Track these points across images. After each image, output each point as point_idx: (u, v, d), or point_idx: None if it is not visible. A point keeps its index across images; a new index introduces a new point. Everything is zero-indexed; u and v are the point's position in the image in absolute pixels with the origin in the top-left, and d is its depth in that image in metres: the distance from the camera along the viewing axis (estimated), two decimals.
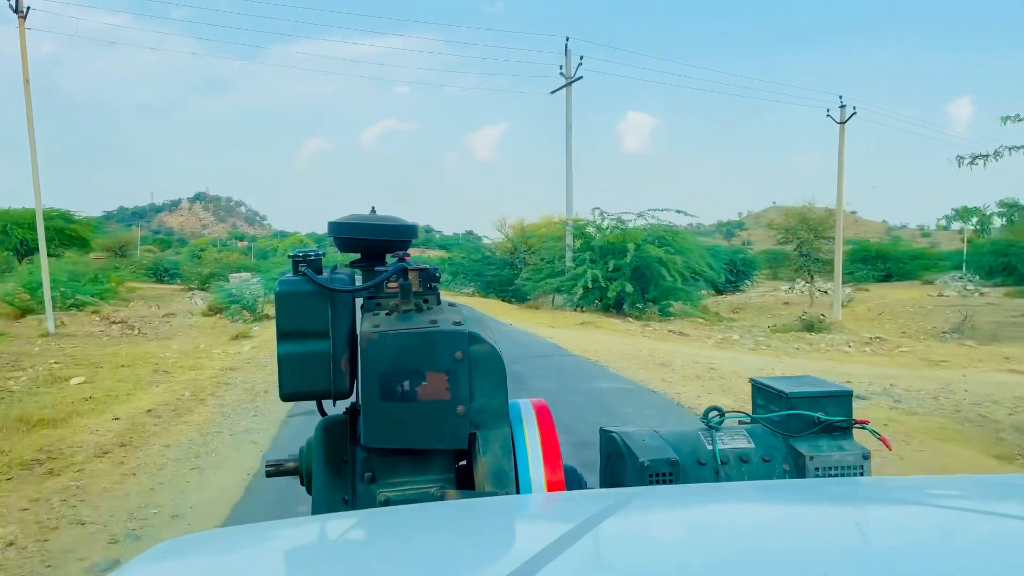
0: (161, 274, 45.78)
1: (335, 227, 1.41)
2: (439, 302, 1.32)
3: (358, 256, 1.44)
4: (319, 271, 1.27)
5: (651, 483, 1.24)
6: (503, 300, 29.10)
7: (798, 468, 1.30)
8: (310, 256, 1.28)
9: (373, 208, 1.47)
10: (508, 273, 30.57)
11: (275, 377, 1.27)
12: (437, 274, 1.35)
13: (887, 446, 1.38)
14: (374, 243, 1.40)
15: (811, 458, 1.28)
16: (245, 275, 31.34)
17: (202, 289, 34.18)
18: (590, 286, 21.71)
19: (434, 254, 67.91)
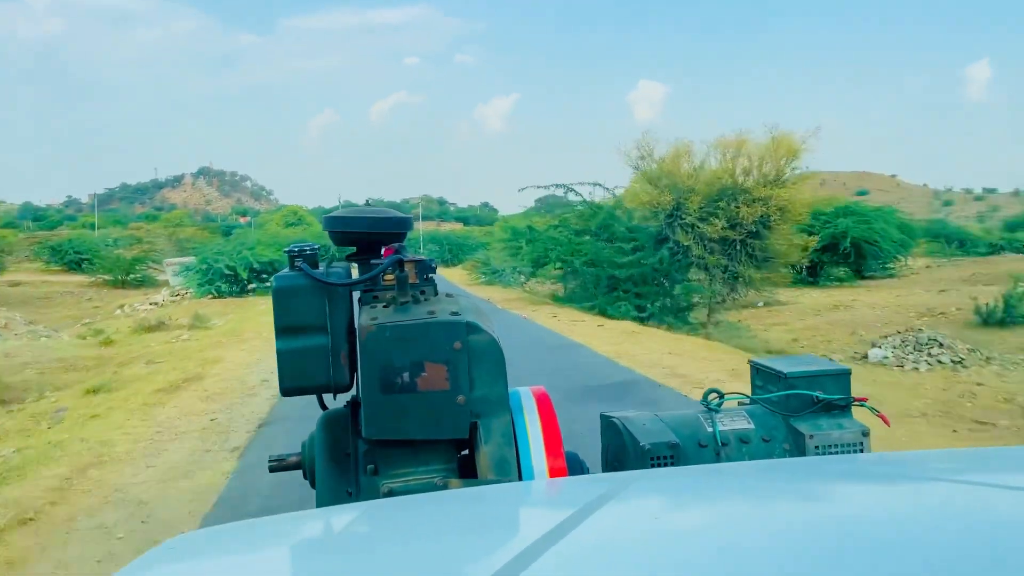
0: (80, 262, 34.67)
1: (330, 221, 1.41)
2: (436, 293, 1.32)
3: (354, 250, 1.44)
4: (315, 265, 1.27)
5: (652, 466, 1.25)
6: (672, 328, 13.71)
7: (798, 447, 1.31)
8: (306, 251, 1.27)
9: (368, 201, 1.47)
10: (656, 262, 15.32)
11: None
12: (433, 265, 1.35)
13: (886, 422, 1.39)
14: (369, 236, 1.40)
15: (811, 437, 1.29)
16: (189, 259, 24.80)
17: (125, 283, 27.43)
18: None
19: (450, 227, 65.20)
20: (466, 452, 1.30)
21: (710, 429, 1.33)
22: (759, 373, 1.44)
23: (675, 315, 14.92)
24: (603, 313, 14.42)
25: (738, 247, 15.89)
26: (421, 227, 61.33)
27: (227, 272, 22.12)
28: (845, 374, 1.36)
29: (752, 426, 1.34)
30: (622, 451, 1.32)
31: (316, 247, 1.28)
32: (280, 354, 1.24)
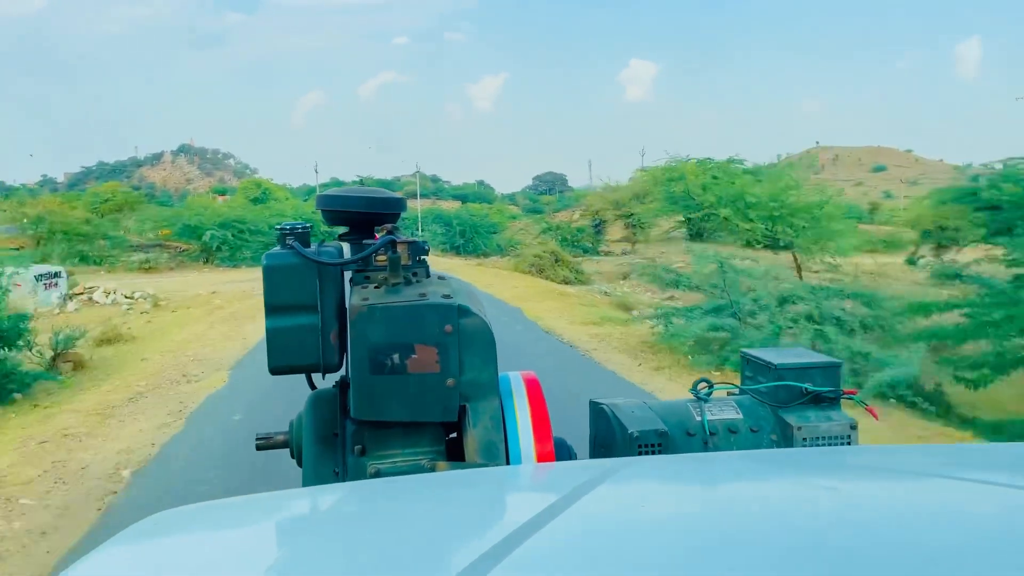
0: None
1: (323, 200, 1.40)
2: (428, 275, 1.32)
3: (346, 229, 1.42)
4: (307, 244, 1.26)
5: (640, 454, 1.25)
6: None
7: (786, 438, 1.31)
8: (297, 229, 1.26)
9: (361, 180, 1.46)
10: None
11: None
12: (425, 247, 1.34)
13: (874, 416, 1.40)
14: (362, 216, 1.39)
15: (799, 428, 1.30)
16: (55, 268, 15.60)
17: None
18: None
19: (448, 205, 59.70)
20: (454, 435, 1.30)
21: (699, 418, 1.33)
22: (749, 364, 1.45)
23: None
24: None
25: None
26: (419, 205, 53.31)
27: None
28: (835, 367, 1.37)
29: (741, 416, 1.34)
30: (610, 438, 1.32)
31: (308, 225, 1.27)
32: (269, 332, 1.23)
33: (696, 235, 24.31)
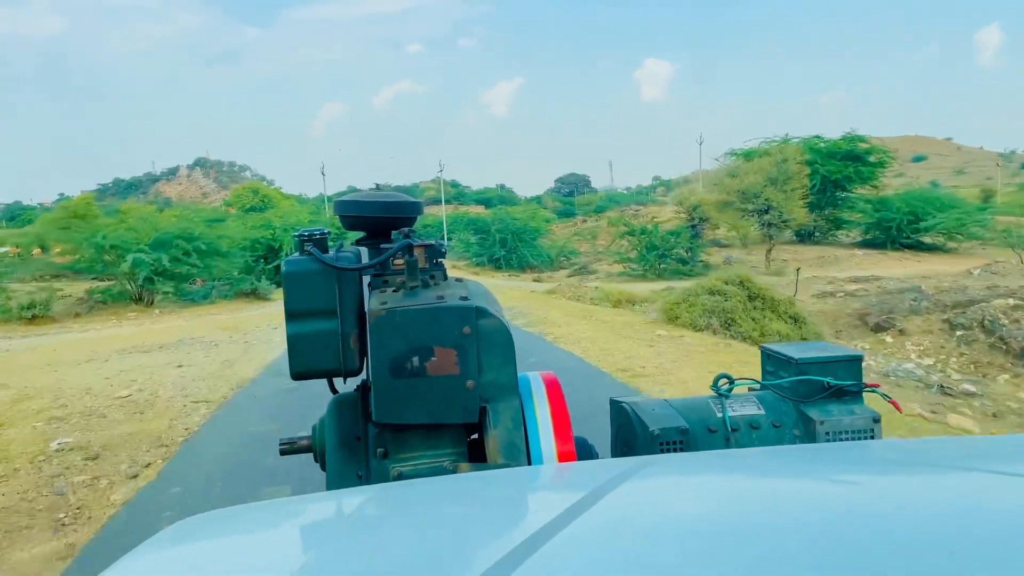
0: None
1: (340, 205, 1.41)
2: (445, 278, 1.33)
3: (363, 234, 1.44)
4: (325, 250, 1.27)
5: (662, 451, 1.25)
6: None
7: (808, 433, 1.30)
8: (315, 235, 1.28)
9: (377, 185, 1.47)
10: None
11: None
12: (443, 249, 1.35)
13: (898, 408, 1.39)
14: (379, 221, 1.41)
15: (821, 423, 1.29)
16: None
17: None
18: None
19: (471, 210, 54.11)
20: (475, 436, 1.30)
21: (720, 414, 1.32)
22: (770, 359, 1.44)
23: None
24: None
25: None
26: (443, 210, 48.33)
27: None
28: (857, 359, 1.35)
29: (762, 412, 1.34)
30: (631, 436, 1.32)
31: (326, 231, 1.29)
32: (290, 338, 1.25)
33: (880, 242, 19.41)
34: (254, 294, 20.90)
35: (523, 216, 33.50)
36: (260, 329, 12.51)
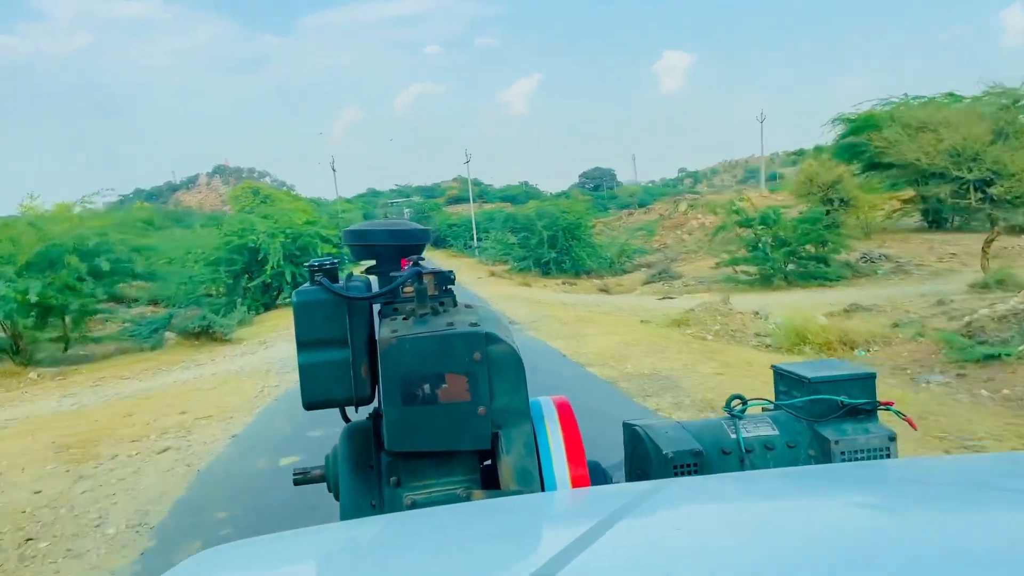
0: None
1: (349, 235, 1.43)
2: (455, 304, 1.33)
3: (373, 263, 1.45)
4: (335, 279, 1.29)
5: (676, 475, 1.24)
6: None
7: (824, 453, 1.29)
8: (325, 265, 1.29)
9: (386, 214, 1.48)
10: None
11: None
12: (452, 276, 1.36)
13: (912, 426, 1.37)
14: (388, 249, 1.42)
15: (836, 442, 1.27)
16: None
17: None
18: None
19: (493, 207, 52.32)
20: (488, 463, 1.30)
21: (734, 436, 1.31)
22: (782, 378, 1.43)
23: None
24: None
25: None
26: (472, 209, 44.07)
27: None
28: (870, 378, 1.34)
29: (776, 432, 1.32)
30: (645, 460, 1.31)
31: (336, 261, 1.30)
32: (302, 368, 1.25)
33: None
34: (207, 334, 13.52)
35: (573, 210, 26.68)
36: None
